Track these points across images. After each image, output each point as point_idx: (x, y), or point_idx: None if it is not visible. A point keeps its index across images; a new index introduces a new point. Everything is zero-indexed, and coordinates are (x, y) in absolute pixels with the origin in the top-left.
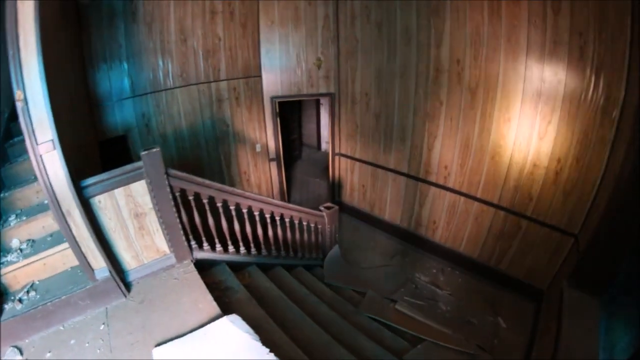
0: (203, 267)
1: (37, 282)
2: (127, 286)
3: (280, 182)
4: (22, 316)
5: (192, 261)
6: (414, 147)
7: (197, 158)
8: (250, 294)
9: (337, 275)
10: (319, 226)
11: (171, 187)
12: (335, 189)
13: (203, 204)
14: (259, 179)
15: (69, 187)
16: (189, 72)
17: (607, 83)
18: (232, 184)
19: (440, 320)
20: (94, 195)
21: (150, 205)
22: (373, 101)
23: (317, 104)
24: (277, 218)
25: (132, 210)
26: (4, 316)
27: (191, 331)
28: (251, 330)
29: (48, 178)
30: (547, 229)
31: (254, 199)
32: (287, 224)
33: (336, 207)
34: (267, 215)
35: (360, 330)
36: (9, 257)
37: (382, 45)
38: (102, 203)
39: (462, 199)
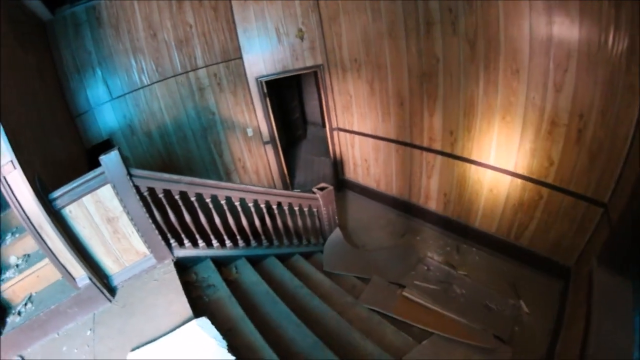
0: (185, 265)
1: (34, 294)
2: (113, 290)
3: (279, 165)
4: (21, 327)
5: (172, 260)
6: (413, 112)
7: (187, 151)
8: (232, 292)
9: (338, 261)
10: (314, 209)
11: (137, 188)
12: (338, 167)
13: (176, 200)
14: (255, 164)
15: (36, 203)
16: (164, 65)
17: (631, 19)
18: (228, 173)
19: (454, 307)
20: (64, 206)
21: (120, 209)
22: (364, 67)
23: (317, 79)
24: (263, 206)
25: (104, 215)
26: (6, 328)
27: (163, 335)
28: (219, 336)
29: (15, 197)
30: (571, 197)
31: (230, 189)
32: (276, 211)
33: (330, 188)
34: (250, 204)
35: (358, 326)
36: (7, 274)
37: (365, 3)
38: (73, 213)
39: (473, 167)
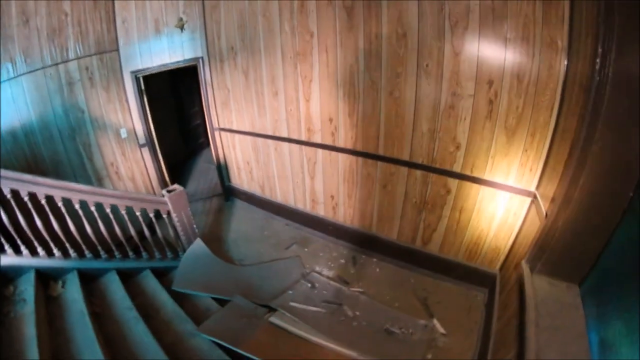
0: (9, 276)
1: None
2: None
3: (159, 171)
4: None
5: None
6: (289, 101)
7: (54, 153)
8: (37, 310)
9: (195, 279)
10: (164, 215)
11: None
12: (223, 172)
13: None
14: (130, 170)
15: None
16: (33, 56)
17: None
18: (99, 179)
19: (341, 335)
20: None
21: None
22: (240, 55)
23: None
24: (93, 208)
25: None
26: None
27: None
28: None
29: None
30: (488, 188)
31: (47, 185)
32: (112, 217)
33: (180, 189)
34: (77, 205)
35: None
36: None
37: None
38: None
39: (360, 160)
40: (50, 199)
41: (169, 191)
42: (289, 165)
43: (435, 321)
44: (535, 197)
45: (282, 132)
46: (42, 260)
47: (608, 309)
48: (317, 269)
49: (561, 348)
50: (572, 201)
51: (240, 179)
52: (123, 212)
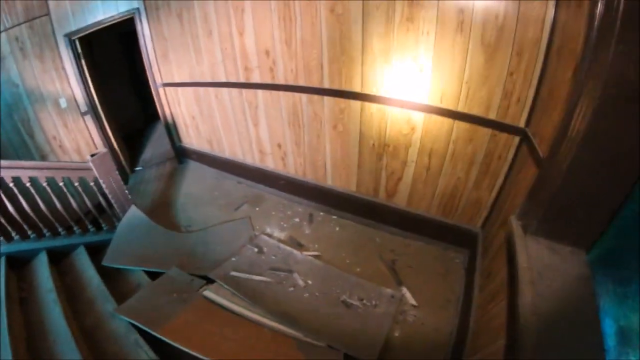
0: None
1: None
2: None
3: (105, 139)
4: None
5: None
6: (223, 39)
7: None
8: None
9: (129, 251)
10: (91, 183)
11: None
12: (172, 132)
13: None
14: (75, 141)
15: None
16: None
17: None
18: (43, 157)
19: (286, 309)
20: None
21: None
22: None
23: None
24: (12, 184)
25: None
26: None
27: None
28: None
29: None
30: (463, 123)
31: None
32: (33, 190)
33: (105, 151)
34: None
35: (104, 349)
36: None
37: None
38: None
39: (304, 97)
40: None
41: (92, 155)
42: (231, 113)
43: (404, 290)
44: (526, 135)
45: (220, 77)
46: None
47: (630, 286)
48: (268, 230)
49: (564, 328)
50: (580, 135)
51: (190, 138)
52: (44, 184)
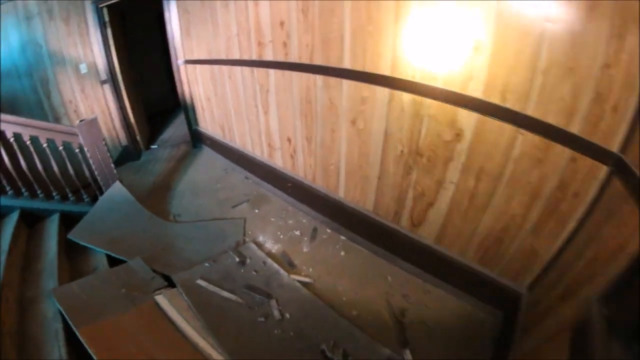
0: None
1: None
2: None
3: (122, 110)
4: None
5: None
6: (239, 10)
7: (10, 91)
8: None
9: (102, 229)
10: (76, 150)
11: None
12: (190, 114)
13: None
14: (90, 108)
15: None
16: None
17: None
18: (57, 119)
19: (244, 346)
20: None
21: None
22: None
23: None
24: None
25: None
26: None
27: None
28: None
29: None
30: (532, 134)
31: None
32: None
33: (93, 118)
34: None
35: (33, 332)
36: None
37: None
38: None
39: (319, 80)
40: None
41: (81, 121)
42: (242, 97)
43: (407, 354)
44: (621, 165)
45: (234, 53)
46: None
47: None
48: (260, 238)
49: None
50: None
51: (205, 121)
52: (27, 141)
